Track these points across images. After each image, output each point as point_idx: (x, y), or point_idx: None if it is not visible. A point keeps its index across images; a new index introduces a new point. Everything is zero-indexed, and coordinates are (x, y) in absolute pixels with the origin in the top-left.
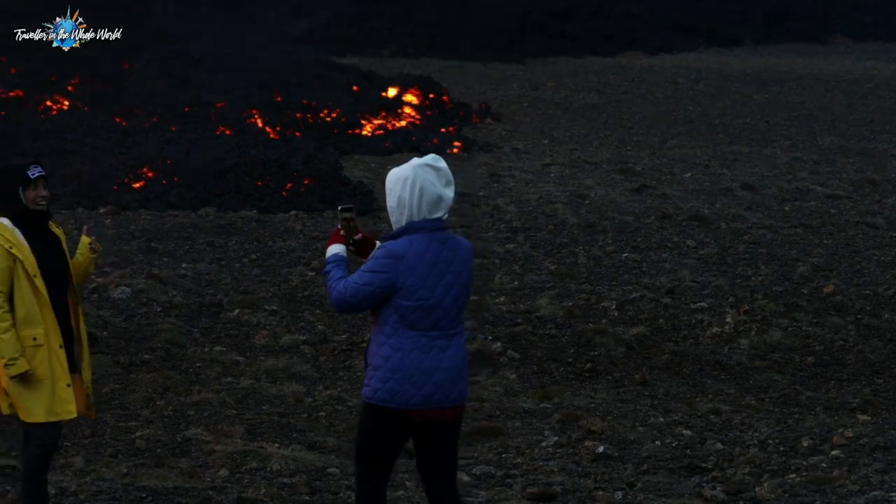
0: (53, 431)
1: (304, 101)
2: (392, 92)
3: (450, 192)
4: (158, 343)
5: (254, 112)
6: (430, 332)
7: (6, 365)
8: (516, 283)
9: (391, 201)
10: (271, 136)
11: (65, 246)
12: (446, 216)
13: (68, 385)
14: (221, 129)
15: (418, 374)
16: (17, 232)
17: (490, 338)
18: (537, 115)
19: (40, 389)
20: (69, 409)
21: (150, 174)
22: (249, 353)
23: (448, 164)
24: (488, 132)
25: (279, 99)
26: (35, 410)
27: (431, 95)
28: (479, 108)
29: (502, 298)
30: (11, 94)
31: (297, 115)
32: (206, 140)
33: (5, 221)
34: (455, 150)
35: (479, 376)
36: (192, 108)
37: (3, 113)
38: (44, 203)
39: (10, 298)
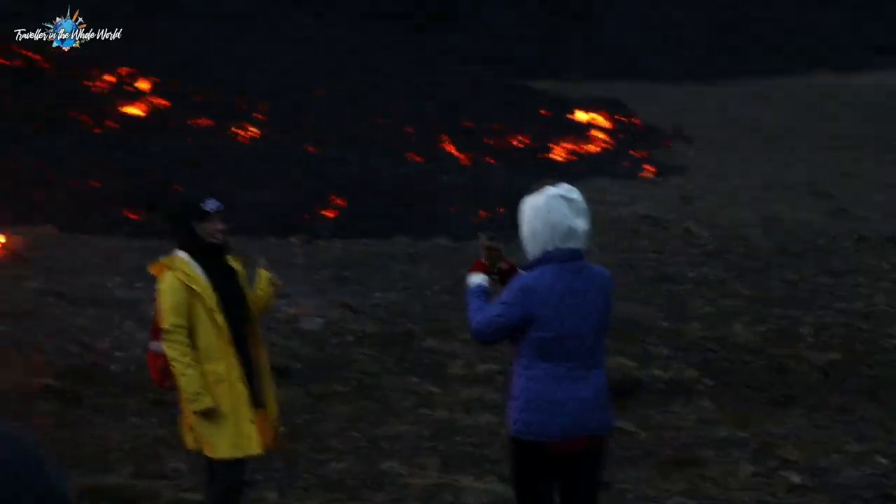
0: (238, 467)
1: (495, 126)
2: (582, 116)
3: (583, 223)
4: (351, 373)
5: (444, 137)
6: (566, 363)
7: (189, 400)
8: (710, 308)
9: (525, 232)
10: (462, 162)
11: (243, 279)
12: (583, 246)
13: (252, 421)
14: (412, 155)
15: (553, 404)
16: (195, 265)
17: (684, 365)
18: (729, 136)
19: (224, 425)
20: (253, 444)
21: (341, 202)
22: (444, 383)
23: (639, 186)
24: (680, 155)
25: (470, 124)
26: (219, 446)
27: (622, 118)
28: (671, 130)
29: (696, 324)
30: (200, 122)
31: (488, 140)
32: (397, 167)
33: (182, 255)
34: (646, 174)
35: (674, 405)
36: (383, 135)
37: (189, 140)
38: (220, 236)
39: (191, 333)
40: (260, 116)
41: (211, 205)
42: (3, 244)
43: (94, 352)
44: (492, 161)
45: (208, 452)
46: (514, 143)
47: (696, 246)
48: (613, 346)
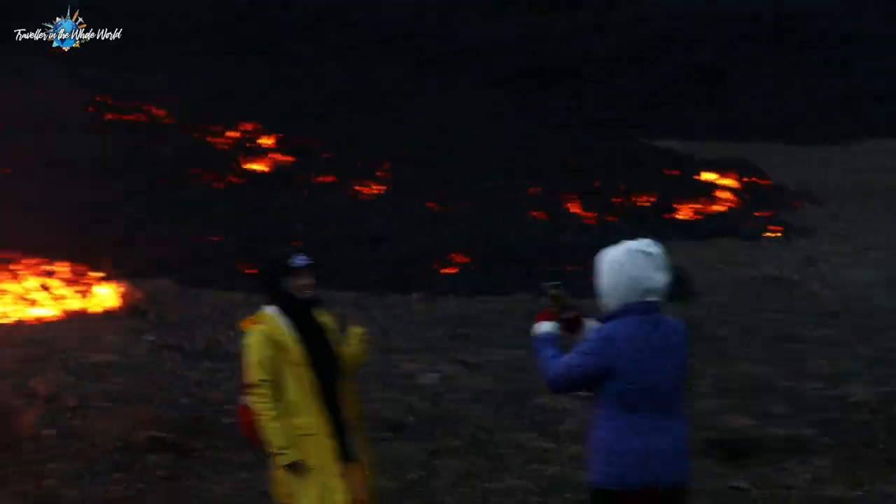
0: None
1: (621, 186)
2: (709, 176)
3: (662, 277)
4: (465, 429)
5: (569, 196)
6: (647, 415)
7: (275, 454)
8: (830, 368)
9: (604, 284)
10: (585, 221)
11: (334, 335)
12: (659, 298)
13: (339, 475)
14: (536, 213)
15: (636, 455)
16: (282, 320)
17: (802, 423)
18: (858, 198)
19: (311, 479)
20: (339, 498)
21: (460, 260)
22: (556, 440)
23: (765, 247)
24: (807, 216)
25: (596, 183)
26: (306, 500)
27: (750, 179)
28: (799, 191)
29: (816, 384)
30: (324, 179)
31: (614, 199)
32: (519, 225)
33: (270, 310)
34: (772, 234)
35: (788, 463)
36: (506, 194)
37: (305, 193)
38: (309, 292)
39: (279, 387)
40: (383, 174)
41: (299, 260)
42: (122, 297)
43: (206, 404)
44: (614, 220)
45: None
46: (639, 202)
47: (819, 306)
48: (733, 405)
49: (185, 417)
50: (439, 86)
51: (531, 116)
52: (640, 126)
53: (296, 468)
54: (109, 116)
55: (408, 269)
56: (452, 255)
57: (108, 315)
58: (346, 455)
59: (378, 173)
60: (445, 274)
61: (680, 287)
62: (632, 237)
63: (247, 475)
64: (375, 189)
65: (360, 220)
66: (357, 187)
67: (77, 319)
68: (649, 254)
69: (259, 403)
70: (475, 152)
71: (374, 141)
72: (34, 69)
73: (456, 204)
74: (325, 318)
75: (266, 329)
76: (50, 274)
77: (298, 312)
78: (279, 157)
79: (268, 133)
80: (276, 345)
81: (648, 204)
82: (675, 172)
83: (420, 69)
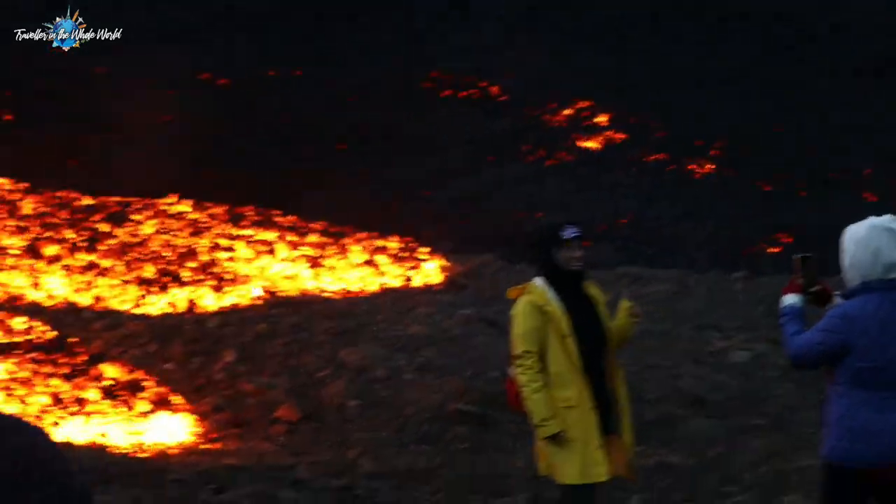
0: (586, 494)
1: None
2: None
3: None
4: (771, 407)
5: None
6: (882, 392)
7: (537, 426)
8: None
9: (845, 261)
10: None
11: (602, 308)
12: None
13: (600, 447)
14: (867, 194)
15: (870, 432)
16: (550, 291)
17: None
18: None
19: (573, 451)
20: (600, 471)
21: (785, 240)
22: None
23: None
24: None
25: None
26: (567, 471)
27: None
28: None
29: None
30: (657, 157)
31: None
32: (846, 207)
33: (538, 281)
34: None
35: None
36: (839, 174)
37: (641, 174)
38: (578, 264)
39: (543, 359)
40: (716, 153)
41: (569, 232)
42: (443, 271)
43: None
44: None
45: (557, 478)
46: None
47: None
48: None
49: (492, 391)
50: (792, 68)
51: (872, 104)
52: None
53: (557, 439)
54: (446, 93)
55: (733, 247)
56: (778, 234)
57: (426, 289)
58: (608, 428)
59: (711, 152)
60: (771, 253)
61: None
62: None
63: None
64: (707, 168)
65: (689, 198)
66: (690, 166)
67: (395, 293)
68: (893, 230)
69: (523, 375)
70: (810, 133)
71: (709, 121)
72: (374, 43)
73: (787, 183)
74: (594, 291)
75: (533, 299)
76: (378, 249)
77: (566, 284)
78: (612, 134)
79: (602, 111)
80: (542, 315)
81: None
82: None
83: (776, 50)
